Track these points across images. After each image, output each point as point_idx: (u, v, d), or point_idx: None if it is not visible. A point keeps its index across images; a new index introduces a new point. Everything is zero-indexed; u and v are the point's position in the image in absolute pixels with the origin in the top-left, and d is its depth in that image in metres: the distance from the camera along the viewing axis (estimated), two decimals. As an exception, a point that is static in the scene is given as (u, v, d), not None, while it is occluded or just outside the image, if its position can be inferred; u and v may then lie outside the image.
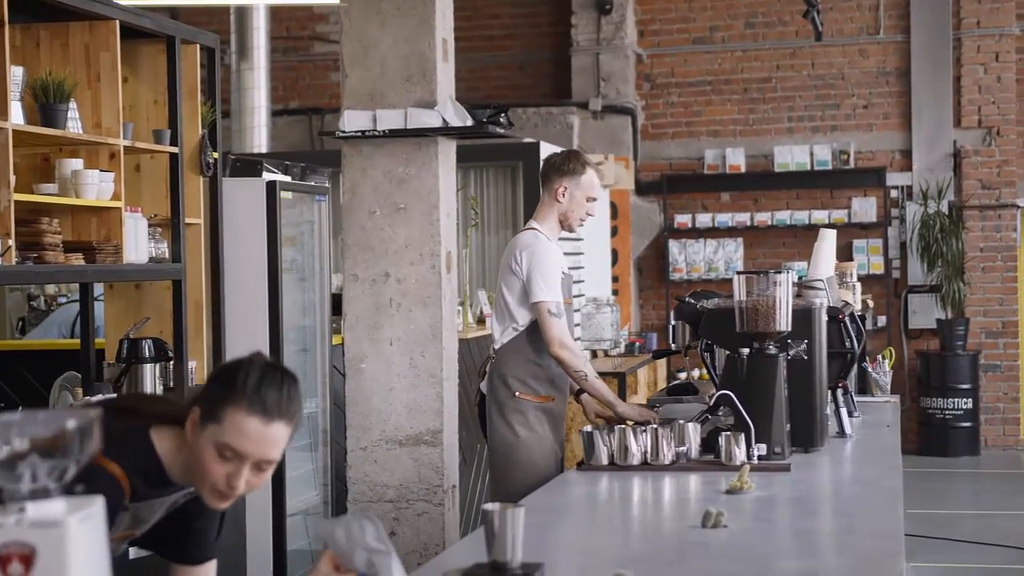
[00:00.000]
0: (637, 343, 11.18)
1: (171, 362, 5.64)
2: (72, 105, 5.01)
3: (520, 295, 5.10)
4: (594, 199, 5.25)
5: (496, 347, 5.21)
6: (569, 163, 5.22)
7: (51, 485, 1.80)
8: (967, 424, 12.07)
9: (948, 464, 11.69)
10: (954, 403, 12.03)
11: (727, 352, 4.55)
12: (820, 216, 12.47)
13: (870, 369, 6.40)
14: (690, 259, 12.81)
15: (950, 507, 9.88)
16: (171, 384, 5.65)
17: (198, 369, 5.90)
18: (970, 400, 12.06)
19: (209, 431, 2.53)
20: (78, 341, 5.89)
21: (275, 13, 12.61)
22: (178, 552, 2.85)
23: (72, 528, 1.75)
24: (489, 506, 2.71)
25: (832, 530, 3.43)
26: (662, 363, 11.31)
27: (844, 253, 12.27)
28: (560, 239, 5.26)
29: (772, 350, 4.40)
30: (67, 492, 1.83)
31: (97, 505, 1.82)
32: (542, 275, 5.04)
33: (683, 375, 11.53)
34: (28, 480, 1.79)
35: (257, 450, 2.51)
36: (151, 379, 5.54)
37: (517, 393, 5.12)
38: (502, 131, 5.94)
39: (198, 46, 5.90)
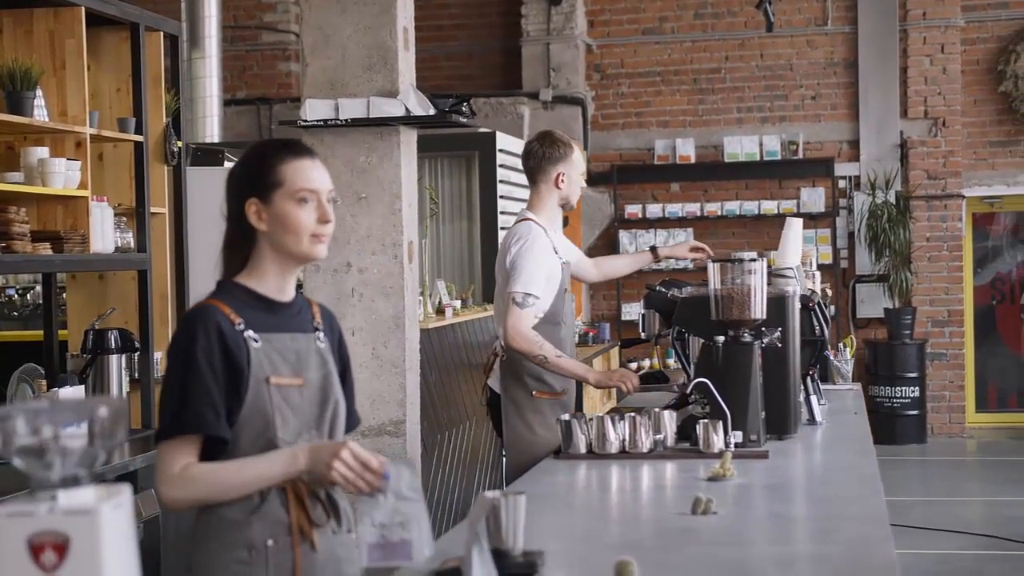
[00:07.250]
0: (591, 333, 11.23)
1: (137, 353, 5.58)
2: (39, 92, 4.94)
3: None
4: (583, 172, 5.32)
5: (504, 344, 5.13)
6: (559, 148, 5.22)
7: (82, 473, 1.78)
8: (914, 412, 12.21)
9: (896, 452, 11.81)
10: (901, 391, 12.17)
11: (702, 340, 4.57)
12: (769, 206, 12.55)
13: (832, 358, 6.45)
14: (641, 249, 12.84)
15: (899, 494, 9.97)
16: (137, 375, 5.59)
17: (163, 360, 5.84)
18: (917, 388, 12.20)
19: (278, 198, 2.78)
20: (40, 333, 5.81)
21: (224, 2, 12.49)
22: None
23: (105, 515, 1.73)
24: (491, 494, 2.71)
25: (819, 516, 3.46)
26: (614, 353, 11.37)
27: (793, 243, 12.35)
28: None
29: (747, 338, 4.43)
30: (97, 480, 1.81)
31: (125, 494, 1.80)
32: (525, 266, 5.00)
33: (634, 364, 11.60)
34: (59, 468, 1.77)
35: (322, 181, 2.82)
36: (117, 370, 5.47)
37: (535, 392, 5.09)
38: (465, 120, 5.93)
39: (162, 34, 5.84)
